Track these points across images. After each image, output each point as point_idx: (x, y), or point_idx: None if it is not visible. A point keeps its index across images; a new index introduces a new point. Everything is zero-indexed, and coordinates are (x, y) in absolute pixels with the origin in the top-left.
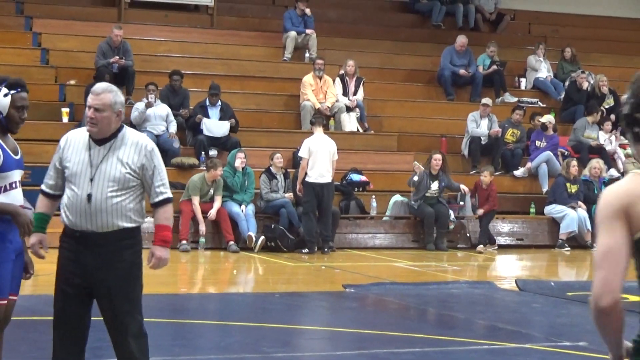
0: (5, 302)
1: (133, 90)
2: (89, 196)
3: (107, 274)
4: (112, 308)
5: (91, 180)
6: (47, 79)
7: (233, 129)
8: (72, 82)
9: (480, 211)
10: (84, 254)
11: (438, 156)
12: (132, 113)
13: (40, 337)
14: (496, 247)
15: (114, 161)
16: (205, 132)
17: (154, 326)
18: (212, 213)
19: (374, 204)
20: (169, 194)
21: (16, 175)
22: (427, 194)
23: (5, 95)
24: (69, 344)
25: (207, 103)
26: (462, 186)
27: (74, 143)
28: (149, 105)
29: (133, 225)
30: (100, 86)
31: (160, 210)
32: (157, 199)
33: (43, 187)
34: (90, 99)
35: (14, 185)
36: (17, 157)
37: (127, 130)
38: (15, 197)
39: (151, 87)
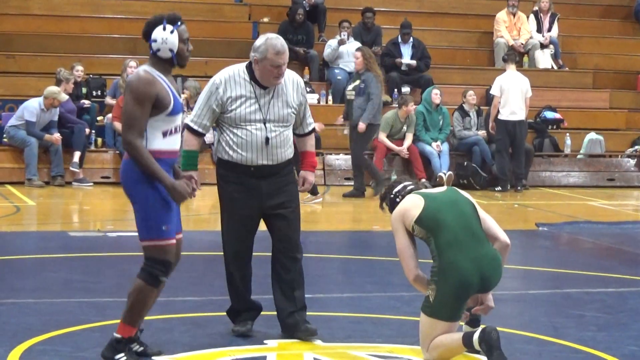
0: (174, 241)
1: (325, 28)
2: (267, 138)
3: (281, 197)
4: (289, 230)
5: (264, 121)
6: (241, 17)
7: (420, 68)
8: (266, 19)
9: None
10: (258, 184)
11: None
12: (324, 50)
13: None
14: None
15: (280, 103)
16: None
17: (346, 262)
18: (404, 150)
19: (569, 141)
20: (314, 123)
21: (180, 118)
22: None
23: (172, 31)
24: (246, 270)
25: (399, 40)
26: None
27: (234, 86)
28: (341, 42)
29: (292, 155)
30: (281, 45)
31: (308, 138)
32: (307, 129)
33: (193, 125)
34: (279, 58)
35: (177, 129)
36: (181, 100)
37: None
38: (176, 142)
39: (344, 25)
